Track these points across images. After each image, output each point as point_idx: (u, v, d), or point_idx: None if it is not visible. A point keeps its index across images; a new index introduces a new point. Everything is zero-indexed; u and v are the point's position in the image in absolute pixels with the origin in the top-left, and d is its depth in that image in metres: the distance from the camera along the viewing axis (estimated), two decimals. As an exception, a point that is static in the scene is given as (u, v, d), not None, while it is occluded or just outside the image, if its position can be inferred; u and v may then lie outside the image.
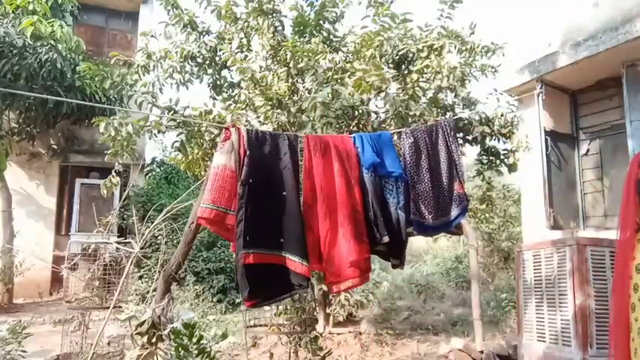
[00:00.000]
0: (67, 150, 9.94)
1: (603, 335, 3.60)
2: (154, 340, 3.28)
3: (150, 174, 11.84)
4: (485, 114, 4.75)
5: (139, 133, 4.38)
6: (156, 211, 7.01)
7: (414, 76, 4.52)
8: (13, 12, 7.90)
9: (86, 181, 10.19)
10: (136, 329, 3.32)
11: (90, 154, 10.07)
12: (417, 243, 12.52)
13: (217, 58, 5.15)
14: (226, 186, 2.54)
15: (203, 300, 7.84)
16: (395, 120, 4.35)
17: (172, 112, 4.54)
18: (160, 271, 5.11)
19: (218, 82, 5.42)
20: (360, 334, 6.16)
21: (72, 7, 9.30)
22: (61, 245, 9.11)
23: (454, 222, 3.04)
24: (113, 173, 4.78)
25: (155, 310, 3.34)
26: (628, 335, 2.24)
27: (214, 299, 8.06)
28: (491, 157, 5.11)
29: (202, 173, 5.29)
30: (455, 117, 4.51)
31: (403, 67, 4.91)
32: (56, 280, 9.12)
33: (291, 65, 4.44)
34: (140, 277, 8.11)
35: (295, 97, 4.61)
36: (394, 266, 3.02)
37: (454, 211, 3.01)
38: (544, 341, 3.99)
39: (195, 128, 4.45)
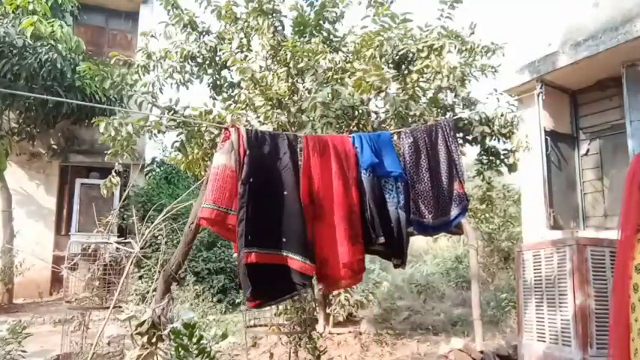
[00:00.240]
0: (67, 150, 9.94)
1: (603, 335, 3.60)
2: (154, 340, 3.28)
3: (150, 174, 11.84)
4: (485, 114, 4.74)
5: (139, 133, 4.38)
6: (156, 211, 7.01)
7: (414, 76, 4.52)
8: (13, 12, 7.90)
9: (86, 181, 10.19)
10: (136, 329, 3.32)
11: (90, 154, 10.07)
12: (417, 243, 12.52)
13: (217, 58, 5.15)
14: (227, 186, 2.54)
15: (203, 300, 7.84)
16: (395, 120, 4.35)
17: (172, 112, 4.54)
18: (160, 271, 5.11)
19: (218, 82, 5.41)
20: (360, 334, 6.15)
21: (72, 7, 9.30)
22: (61, 245, 9.11)
23: (454, 222, 3.05)
24: (113, 173, 4.78)
25: (155, 310, 3.34)
26: (628, 335, 2.24)
27: (214, 299, 8.06)
28: (491, 157, 5.11)
29: (202, 173, 5.29)
30: (455, 117, 4.51)
31: (403, 67, 4.91)
32: (56, 280, 9.12)
33: (291, 65, 4.44)
34: (140, 277, 8.11)
35: (295, 97, 4.61)
36: (396, 266, 3.02)
37: (454, 211, 3.01)
38: (544, 341, 3.99)
39: (195, 128, 4.45)
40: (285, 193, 2.63)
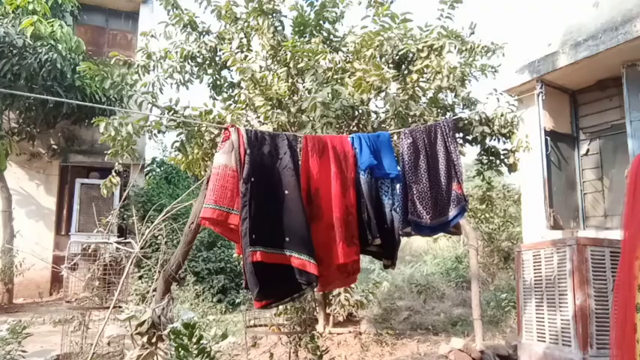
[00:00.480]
0: (67, 150, 9.94)
1: (603, 335, 3.60)
2: (154, 340, 3.28)
3: (150, 174, 11.86)
4: (485, 114, 4.74)
5: (139, 133, 4.38)
6: (156, 211, 7.02)
7: (414, 76, 4.52)
8: (13, 12, 7.90)
9: (86, 181, 10.20)
10: (136, 329, 3.32)
11: (90, 154, 10.07)
12: (417, 243, 12.54)
13: (217, 58, 5.15)
14: (228, 185, 2.54)
15: (203, 300, 7.84)
16: (395, 120, 4.35)
17: (172, 112, 4.54)
18: (160, 271, 5.11)
19: (218, 82, 5.42)
20: (360, 334, 6.15)
21: (72, 7, 9.31)
22: (61, 245, 9.11)
23: (452, 222, 3.05)
24: (113, 173, 4.79)
25: (155, 310, 3.34)
26: (634, 336, 2.23)
27: (214, 299, 8.07)
28: (491, 157, 5.11)
29: (202, 173, 5.29)
30: (455, 117, 4.51)
31: (403, 67, 4.91)
32: (56, 280, 9.14)
33: (291, 65, 4.44)
34: (140, 277, 8.11)
35: (295, 97, 4.61)
36: (386, 266, 3.05)
37: (452, 212, 3.01)
38: (544, 341, 3.98)
39: (195, 128, 4.45)
40: (287, 192, 2.62)
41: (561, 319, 3.83)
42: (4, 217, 8.54)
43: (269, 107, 4.35)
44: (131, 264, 4.50)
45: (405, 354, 5.52)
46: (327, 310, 6.46)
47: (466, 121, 4.71)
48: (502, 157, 5.05)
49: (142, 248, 4.54)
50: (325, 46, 4.72)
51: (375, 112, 4.91)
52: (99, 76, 4.63)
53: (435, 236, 9.05)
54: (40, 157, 9.79)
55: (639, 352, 2.21)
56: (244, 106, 4.55)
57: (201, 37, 5.16)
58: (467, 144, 5.02)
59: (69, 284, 4.72)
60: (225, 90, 5.46)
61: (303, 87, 4.58)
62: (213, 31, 5.22)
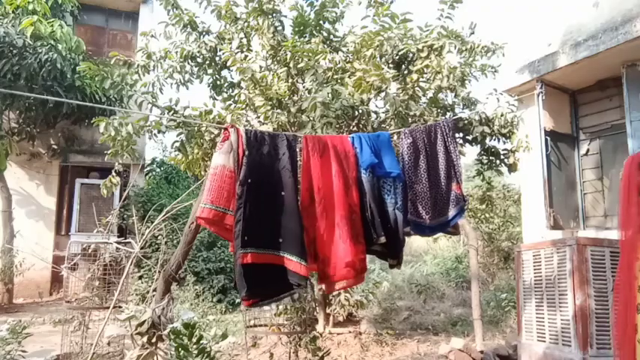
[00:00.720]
0: (67, 150, 9.95)
1: (603, 335, 3.60)
2: (154, 340, 3.28)
3: (150, 174, 11.86)
4: (485, 114, 4.74)
5: (139, 133, 4.38)
6: (156, 211, 7.02)
7: (414, 76, 4.52)
8: (13, 12, 7.90)
9: (86, 181, 10.20)
10: (136, 329, 3.32)
11: (90, 154, 10.08)
12: (416, 243, 12.54)
13: (217, 58, 5.15)
14: (225, 186, 2.55)
15: (203, 300, 7.84)
16: (395, 120, 4.35)
17: (172, 112, 4.54)
18: (160, 271, 5.11)
19: (218, 82, 5.42)
20: (360, 334, 6.15)
21: (72, 7, 9.31)
22: (61, 245, 9.11)
23: (451, 222, 3.05)
24: (113, 173, 4.79)
25: (155, 310, 3.34)
26: (634, 337, 2.24)
27: (214, 299, 8.07)
28: (491, 157, 5.10)
29: (202, 173, 5.29)
30: (455, 117, 4.51)
31: (403, 67, 4.90)
32: (56, 280, 9.14)
33: (291, 65, 4.44)
34: (140, 277, 8.11)
35: (295, 97, 4.61)
36: (391, 266, 3.03)
37: (451, 212, 3.01)
38: (544, 341, 3.98)
39: (195, 128, 4.45)
40: (283, 193, 2.63)
41: (561, 319, 3.83)
42: (4, 217, 8.54)
43: (269, 107, 4.35)
44: (131, 264, 4.50)
45: (405, 354, 5.52)
46: (327, 310, 6.46)
47: (466, 121, 4.71)
48: (502, 157, 5.05)
49: (142, 248, 4.54)
50: (325, 46, 4.71)
51: (375, 112, 4.90)
52: (99, 76, 4.63)
53: (434, 236, 9.06)
54: (40, 157, 9.79)
55: None
56: (244, 106, 4.55)
57: (201, 37, 5.16)
58: (467, 144, 5.02)
59: (69, 284, 4.72)
60: (225, 90, 5.46)
61: (303, 87, 4.58)
62: (213, 31, 5.22)
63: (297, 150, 2.77)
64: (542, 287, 4.05)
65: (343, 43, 5.04)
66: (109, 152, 4.50)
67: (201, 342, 2.77)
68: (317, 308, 5.83)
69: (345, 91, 4.22)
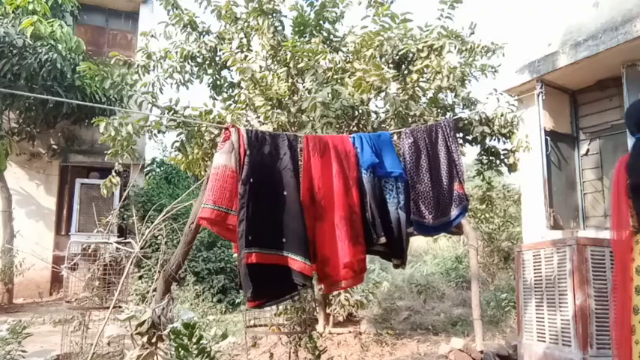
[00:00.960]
0: (67, 150, 9.94)
1: (603, 335, 3.60)
2: (154, 340, 3.28)
3: (150, 174, 11.85)
4: (485, 114, 4.74)
5: (139, 133, 4.38)
6: (156, 211, 7.02)
7: (414, 76, 4.52)
8: (13, 12, 7.90)
9: (86, 181, 10.20)
10: (136, 329, 3.32)
11: (90, 154, 10.07)
12: (417, 243, 12.53)
13: (217, 58, 5.15)
14: (227, 186, 2.55)
15: (203, 300, 7.84)
16: (395, 120, 4.35)
17: (172, 112, 4.54)
18: (160, 271, 5.11)
19: (218, 82, 5.42)
20: (360, 334, 6.15)
21: (72, 7, 9.31)
22: (61, 245, 9.11)
23: (454, 222, 3.05)
24: (113, 173, 4.78)
25: (155, 310, 3.34)
26: (631, 338, 2.24)
27: (214, 299, 8.06)
28: (491, 157, 5.10)
29: (202, 173, 5.29)
30: (455, 117, 4.51)
31: (403, 67, 4.91)
32: (56, 280, 9.13)
33: (291, 65, 4.44)
34: (140, 277, 8.11)
35: (295, 97, 4.61)
36: (395, 266, 3.03)
37: (454, 211, 3.01)
38: (544, 341, 3.99)
39: (195, 128, 4.45)
40: (285, 193, 2.63)
41: (561, 319, 3.83)
42: (4, 217, 8.54)
43: (269, 107, 4.35)
44: (131, 264, 4.50)
45: (405, 354, 5.52)
46: (327, 310, 6.46)
47: (466, 121, 4.71)
48: (502, 157, 5.05)
49: (142, 248, 4.54)
50: (325, 46, 4.71)
51: (375, 112, 4.90)
52: (99, 76, 4.63)
53: (435, 236, 9.07)
54: (40, 157, 9.79)
55: (638, 353, 2.22)
56: (244, 106, 4.55)
57: (201, 37, 5.16)
58: (467, 144, 5.02)
59: (69, 284, 4.72)
60: (225, 90, 5.46)
61: (303, 87, 4.58)
62: (213, 31, 5.22)
63: (298, 150, 2.77)
64: (542, 287, 4.05)
65: (343, 43, 5.04)
66: (109, 152, 4.49)
67: (201, 342, 2.77)
68: (317, 308, 5.83)
69: (345, 91, 4.22)
